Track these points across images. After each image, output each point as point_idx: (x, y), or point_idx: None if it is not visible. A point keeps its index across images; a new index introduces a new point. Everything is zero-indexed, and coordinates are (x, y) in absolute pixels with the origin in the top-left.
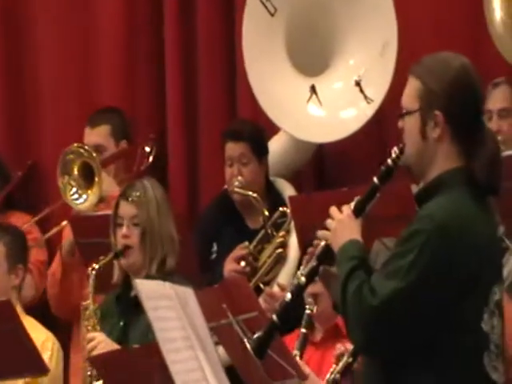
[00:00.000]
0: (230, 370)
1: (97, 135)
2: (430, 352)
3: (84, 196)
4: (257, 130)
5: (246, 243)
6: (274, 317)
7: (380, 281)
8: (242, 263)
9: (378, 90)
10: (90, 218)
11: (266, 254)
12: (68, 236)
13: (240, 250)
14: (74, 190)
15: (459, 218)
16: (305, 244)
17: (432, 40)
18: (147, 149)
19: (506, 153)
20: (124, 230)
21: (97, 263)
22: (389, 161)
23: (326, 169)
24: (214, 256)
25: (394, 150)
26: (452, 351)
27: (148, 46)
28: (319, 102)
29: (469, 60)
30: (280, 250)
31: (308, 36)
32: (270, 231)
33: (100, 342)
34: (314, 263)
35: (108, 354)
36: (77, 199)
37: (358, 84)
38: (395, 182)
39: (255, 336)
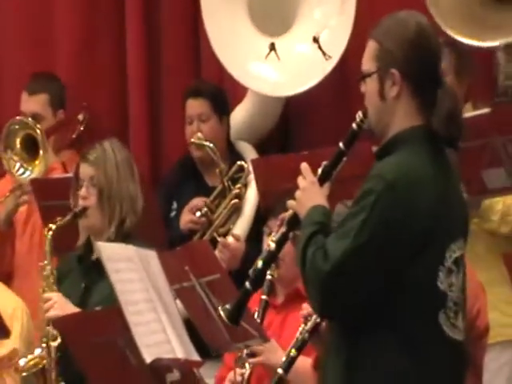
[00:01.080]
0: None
1: (35, 103)
2: (385, 312)
3: (29, 169)
4: (217, 89)
5: (203, 199)
6: (247, 284)
7: (332, 243)
8: (198, 214)
9: (336, 47)
10: (50, 180)
11: (223, 206)
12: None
13: (196, 201)
14: (18, 164)
15: (409, 175)
16: (267, 207)
17: None
18: (80, 117)
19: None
20: (83, 191)
21: (54, 224)
22: (353, 125)
23: (291, 134)
24: (173, 213)
25: (359, 114)
26: (407, 310)
27: (109, 7)
28: (277, 57)
29: (426, 18)
30: (236, 201)
31: None
32: (227, 184)
33: (56, 303)
34: (283, 229)
35: (70, 317)
36: (22, 173)
37: (316, 40)
38: (357, 143)
39: (229, 304)
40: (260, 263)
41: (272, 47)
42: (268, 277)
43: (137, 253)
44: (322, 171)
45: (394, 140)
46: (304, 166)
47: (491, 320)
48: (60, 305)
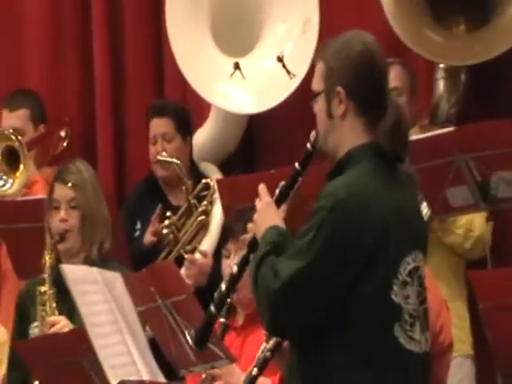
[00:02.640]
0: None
1: (16, 119)
2: (339, 327)
3: (10, 181)
4: (181, 108)
5: (168, 213)
6: (212, 308)
7: (282, 262)
8: (165, 231)
9: (300, 65)
10: (15, 202)
11: (189, 223)
12: None
13: (162, 217)
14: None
15: (359, 192)
16: (232, 226)
17: (352, 16)
18: (62, 133)
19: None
20: (62, 213)
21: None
22: (308, 145)
23: (256, 153)
24: (137, 233)
25: (312, 135)
26: (361, 324)
27: (74, 22)
28: (242, 76)
29: (373, 37)
30: (202, 217)
31: (232, 15)
32: (192, 202)
33: (65, 326)
34: (244, 252)
35: (35, 340)
36: (3, 185)
37: (280, 60)
38: (324, 161)
39: (195, 329)
40: (223, 287)
41: (236, 66)
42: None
43: (101, 275)
44: (279, 192)
45: (344, 159)
46: (261, 187)
47: None
48: (69, 328)
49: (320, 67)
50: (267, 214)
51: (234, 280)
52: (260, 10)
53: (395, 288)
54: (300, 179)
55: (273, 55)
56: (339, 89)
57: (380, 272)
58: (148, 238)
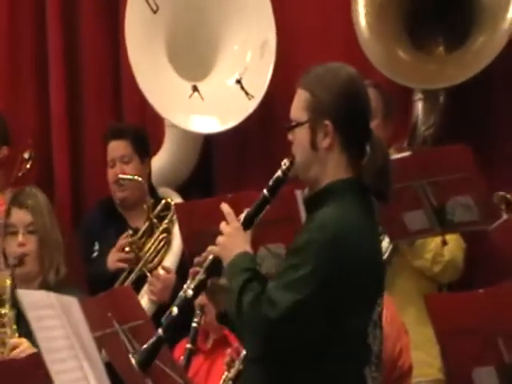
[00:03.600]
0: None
1: None
2: (317, 363)
3: None
4: (139, 130)
5: (130, 232)
6: (160, 331)
7: (279, 292)
8: (127, 249)
9: (258, 87)
10: None
11: (151, 242)
12: None
13: (124, 239)
14: None
15: (350, 228)
16: (190, 251)
17: (309, 40)
18: (26, 155)
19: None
20: (20, 238)
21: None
22: (279, 173)
23: (214, 176)
24: (95, 254)
25: (285, 162)
26: (340, 362)
27: (31, 49)
28: (201, 98)
29: (356, 71)
30: (164, 235)
31: (189, 38)
32: (153, 221)
33: (27, 349)
34: (201, 276)
35: None
36: None
37: (238, 82)
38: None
39: (141, 349)
40: (175, 310)
41: (195, 89)
42: (194, 324)
43: (58, 300)
44: (245, 217)
45: (324, 191)
46: (227, 210)
47: (416, 359)
48: (30, 350)
49: (302, 96)
50: (237, 239)
51: (187, 303)
52: (217, 33)
53: (369, 329)
54: (267, 206)
55: (231, 77)
56: (327, 122)
57: (363, 310)
58: (114, 264)
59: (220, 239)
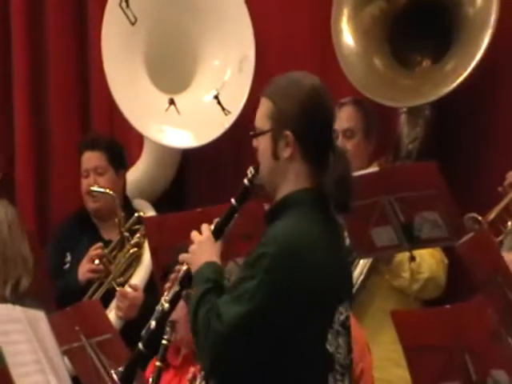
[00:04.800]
0: None
1: None
2: (276, 375)
3: None
4: (113, 142)
5: (100, 244)
6: (140, 345)
7: (226, 305)
8: (96, 261)
9: (235, 103)
10: None
11: (121, 255)
12: None
13: (94, 250)
14: None
15: (303, 239)
16: (159, 265)
17: (285, 55)
18: None
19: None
20: None
21: None
22: (245, 181)
23: (190, 190)
24: (67, 266)
25: (250, 170)
26: (298, 373)
27: None
28: (177, 112)
29: (320, 80)
30: (135, 250)
31: (168, 50)
32: (125, 235)
33: None
34: (176, 288)
35: None
36: None
37: (216, 97)
38: (248, 201)
39: (122, 366)
40: (153, 323)
41: (171, 102)
42: (164, 342)
43: (24, 314)
44: (215, 227)
45: (283, 203)
46: (203, 225)
47: (398, 377)
48: None
49: (266, 105)
50: (206, 248)
51: (165, 316)
52: (196, 47)
53: (330, 337)
54: (236, 215)
55: (208, 92)
56: (288, 133)
57: (318, 320)
58: (85, 275)
59: (191, 247)
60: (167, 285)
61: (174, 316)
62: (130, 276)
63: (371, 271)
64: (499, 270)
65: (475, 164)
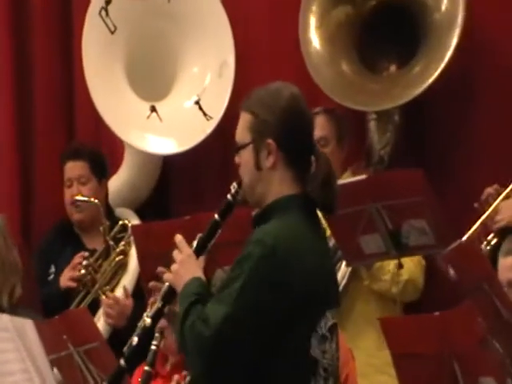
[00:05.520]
0: None
1: None
2: (258, 378)
3: None
4: (96, 151)
5: (86, 253)
6: (122, 361)
7: (212, 309)
8: (83, 271)
9: (216, 108)
10: None
11: (107, 264)
12: None
13: (78, 258)
14: None
15: (288, 241)
16: (147, 273)
17: (264, 64)
18: None
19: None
20: None
21: None
22: (228, 196)
23: (173, 197)
24: (51, 277)
25: (233, 185)
26: (279, 375)
27: None
28: (159, 118)
29: (298, 89)
30: (120, 257)
31: (148, 58)
32: (110, 243)
33: None
34: (158, 304)
35: None
36: None
37: (197, 103)
38: (237, 209)
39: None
40: (135, 339)
41: (153, 109)
42: (153, 347)
43: (12, 322)
44: (198, 244)
45: (270, 208)
46: (179, 238)
47: (381, 382)
48: None
49: (245, 118)
50: (189, 265)
51: (147, 333)
52: (176, 53)
53: (313, 342)
54: (219, 231)
55: (189, 98)
56: (270, 141)
57: (303, 324)
58: (65, 282)
59: (173, 267)
60: (150, 300)
61: (163, 323)
62: (117, 284)
63: (352, 276)
64: (485, 278)
65: (447, 167)
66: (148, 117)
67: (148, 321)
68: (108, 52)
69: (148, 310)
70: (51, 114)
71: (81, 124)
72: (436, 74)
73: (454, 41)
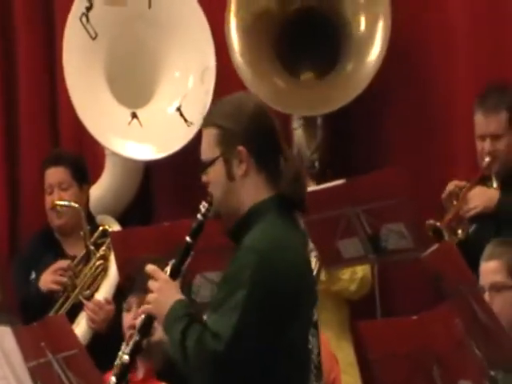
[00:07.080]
0: None
1: None
2: (265, 378)
3: None
4: (77, 157)
5: (69, 261)
6: None
7: (218, 323)
8: (64, 279)
9: (197, 114)
10: None
11: (87, 268)
12: None
13: (59, 263)
14: None
15: (277, 243)
16: (125, 278)
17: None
18: None
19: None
20: None
21: None
22: (199, 216)
23: (154, 203)
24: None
25: (203, 205)
26: (288, 376)
27: None
28: (140, 124)
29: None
30: (101, 262)
31: (129, 64)
32: (90, 248)
33: None
34: (136, 338)
35: None
36: None
37: (178, 109)
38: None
39: None
40: (113, 379)
41: (134, 116)
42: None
43: None
44: (172, 268)
45: (249, 215)
46: (151, 268)
47: (345, 383)
48: None
49: (211, 133)
50: (168, 292)
51: (125, 370)
52: (156, 60)
53: (309, 338)
54: (192, 252)
55: (170, 104)
56: (240, 148)
57: (302, 323)
58: (48, 285)
59: (151, 297)
60: (127, 335)
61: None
62: (97, 289)
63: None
64: (463, 280)
65: (372, 166)
66: (129, 123)
67: (126, 357)
68: (89, 58)
69: (123, 346)
70: (35, 121)
71: (64, 130)
72: (364, 82)
73: (376, 51)
